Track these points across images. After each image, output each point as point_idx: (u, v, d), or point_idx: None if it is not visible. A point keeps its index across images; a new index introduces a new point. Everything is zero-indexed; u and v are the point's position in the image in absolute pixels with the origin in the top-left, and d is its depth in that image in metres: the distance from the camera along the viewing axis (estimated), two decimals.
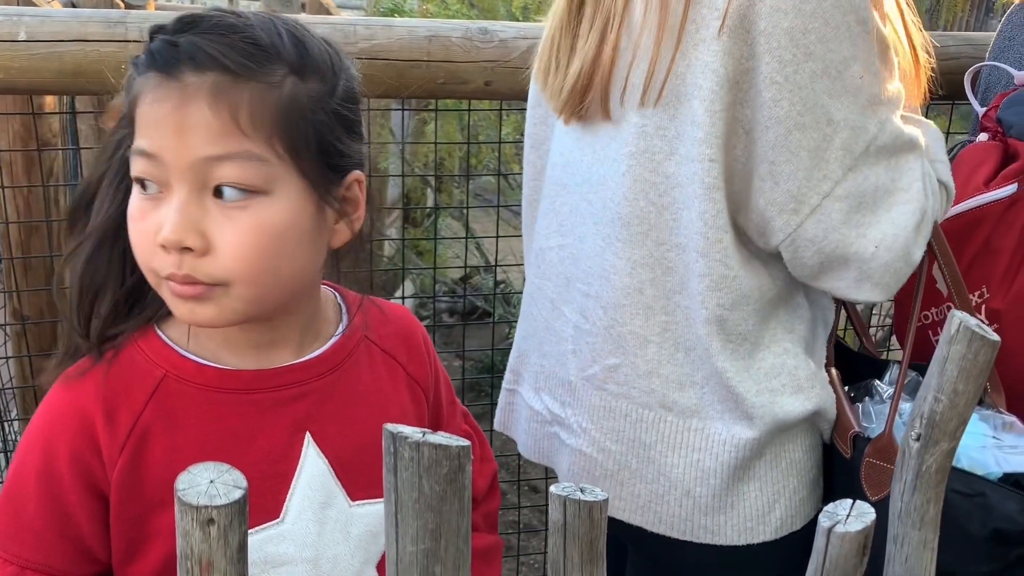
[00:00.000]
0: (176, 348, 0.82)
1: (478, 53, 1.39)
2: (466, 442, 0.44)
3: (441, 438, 0.44)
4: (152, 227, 0.75)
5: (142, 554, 0.81)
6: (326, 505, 0.84)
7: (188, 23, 0.76)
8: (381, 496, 0.84)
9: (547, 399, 1.12)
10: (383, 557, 0.87)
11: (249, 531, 0.81)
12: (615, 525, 0.91)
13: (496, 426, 1.23)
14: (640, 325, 1.01)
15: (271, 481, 0.82)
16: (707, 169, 0.93)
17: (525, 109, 1.22)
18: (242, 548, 0.52)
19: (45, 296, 1.76)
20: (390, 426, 0.44)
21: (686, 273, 0.98)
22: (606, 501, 0.56)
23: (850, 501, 0.52)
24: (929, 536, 0.63)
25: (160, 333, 0.83)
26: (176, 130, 0.73)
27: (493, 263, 2.24)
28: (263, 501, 0.81)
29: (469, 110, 2.30)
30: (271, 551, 0.81)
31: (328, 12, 3.75)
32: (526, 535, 2.86)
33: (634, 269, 1.00)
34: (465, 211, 2.55)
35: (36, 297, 1.74)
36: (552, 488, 0.57)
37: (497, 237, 2.04)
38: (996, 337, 0.59)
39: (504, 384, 1.22)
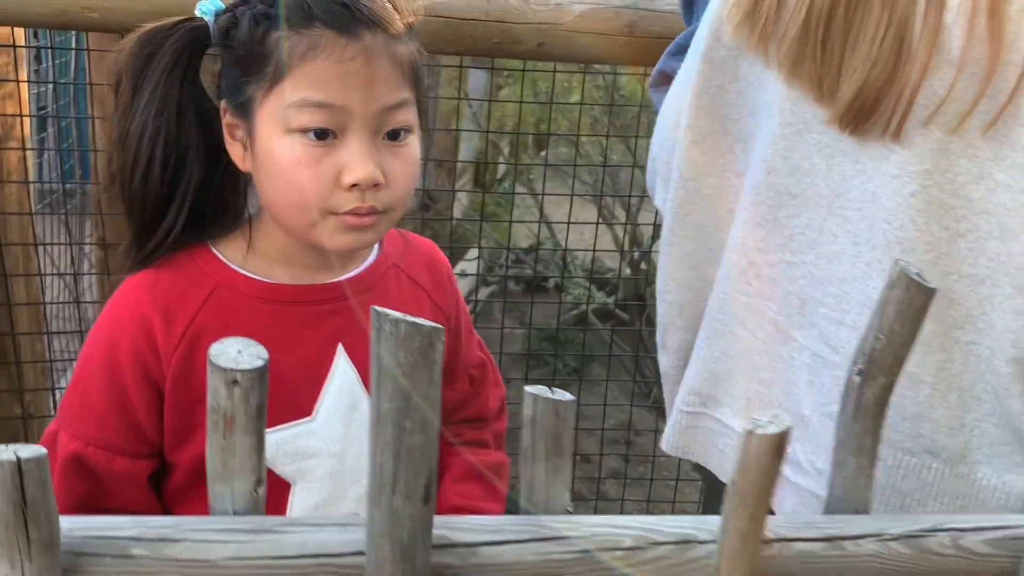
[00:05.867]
0: (229, 264, 0.92)
1: (533, 15, 1.47)
2: (439, 326, 0.54)
3: (417, 320, 0.53)
4: (331, 170, 0.84)
5: (189, 440, 0.92)
6: (352, 408, 0.94)
7: None
8: None
9: None
10: None
11: (285, 426, 0.92)
12: None
13: (669, 449, 1.15)
14: (914, 363, 0.91)
15: (306, 384, 0.93)
16: None
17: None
18: (260, 409, 0.62)
19: None
20: (377, 308, 0.53)
21: (977, 307, 0.91)
22: (573, 402, 0.65)
23: (773, 412, 0.60)
24: (865, 463, 0.70)
25: (215, 251, 0.93)
26: (365, 83, 0.84)
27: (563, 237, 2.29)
28: (298, 401, 0.92)
29: (554, 71, 2.33)
30: (303, 444, 0.92)
31: None
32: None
33: None
34: (543, 178, 2.60)
35: None
36: (526, 388, 0.66)
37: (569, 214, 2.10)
38: (933, 285, 0.65)
39: (682, 406, 1.12)
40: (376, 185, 0.86)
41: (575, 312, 4.04)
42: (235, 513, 0.64)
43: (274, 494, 0.90)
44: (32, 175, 1.77)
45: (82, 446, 0.89)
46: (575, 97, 3.47)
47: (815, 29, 0.89)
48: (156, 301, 0.90)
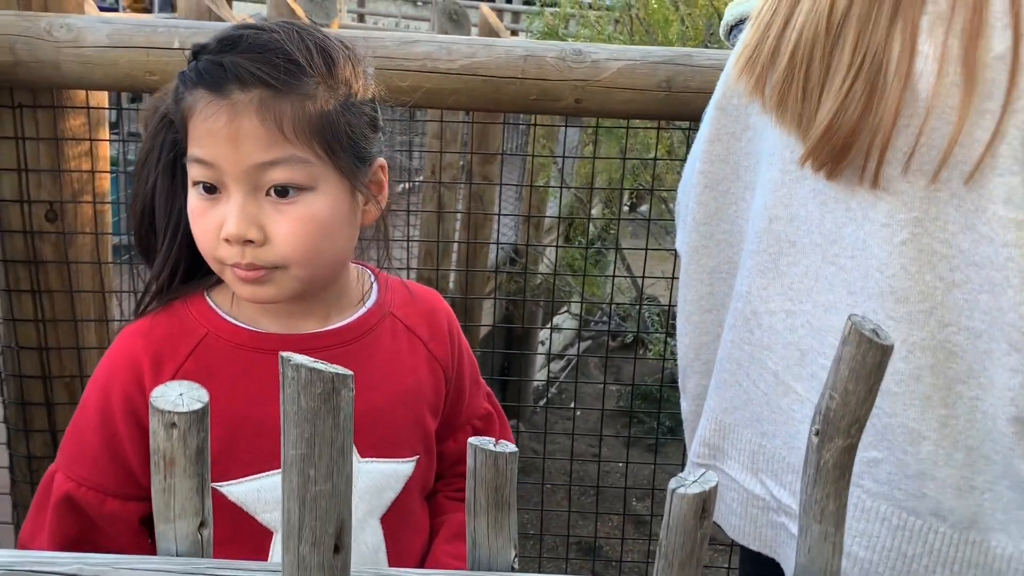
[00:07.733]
0: (219, 312, 0.95)
1: (570, 72, 1.48)
2: (345, 371, 0.54)
3: (321, 365, 0.54)
4: (214, 223, 0.87)
5: None
6: None
7: (229, 44, 0.87)
8: (388, 456, 0.97)
9: (771, 484, 1.02)
10: (387, 510, 0.97)
11: (267, 473, 0.94)
12: None
13: None
14: (913, 418, 0.88)
15: None
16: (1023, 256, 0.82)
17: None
18: (200, 451, 0.63)
19: None
20: (284, 353, 0.54)
21: (978, 362, 0.86)
22: (513, 454, 0.64)
23: (702, 471, 0.57)
24: (830, 530, 0.66)
25: (208, 299, 0.96)
26: (230, 141, 0.84)
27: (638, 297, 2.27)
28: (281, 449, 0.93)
29: (627, 128, 2.34)
30: None
31: (497, 34, 3.95)
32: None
33: (911, 353, 0.88)
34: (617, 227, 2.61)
35: None
36: (470, 439, 0.65)
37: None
38: (889, 342, 0.62)
39: (694, 458, 1.09)
40: (251, 241, 0.86)
41: (667, 369, 3.97)
42: (178, 554, 0.65)
43: (255, 543, 0.91)
44: (111, 228, 1.88)
45: (75, 487, 0.92)
46: (661, 152, 3.46)
47: (798, 70, 0.89)
48: (148, 349, 0.93)
